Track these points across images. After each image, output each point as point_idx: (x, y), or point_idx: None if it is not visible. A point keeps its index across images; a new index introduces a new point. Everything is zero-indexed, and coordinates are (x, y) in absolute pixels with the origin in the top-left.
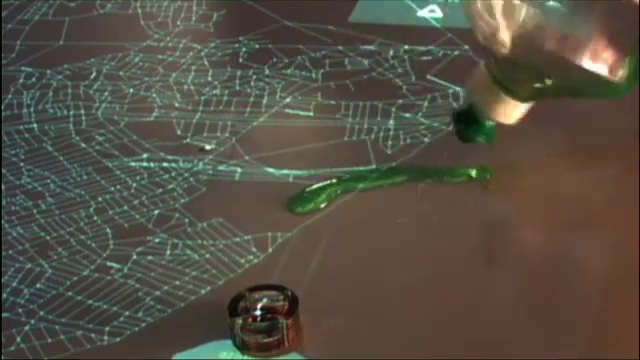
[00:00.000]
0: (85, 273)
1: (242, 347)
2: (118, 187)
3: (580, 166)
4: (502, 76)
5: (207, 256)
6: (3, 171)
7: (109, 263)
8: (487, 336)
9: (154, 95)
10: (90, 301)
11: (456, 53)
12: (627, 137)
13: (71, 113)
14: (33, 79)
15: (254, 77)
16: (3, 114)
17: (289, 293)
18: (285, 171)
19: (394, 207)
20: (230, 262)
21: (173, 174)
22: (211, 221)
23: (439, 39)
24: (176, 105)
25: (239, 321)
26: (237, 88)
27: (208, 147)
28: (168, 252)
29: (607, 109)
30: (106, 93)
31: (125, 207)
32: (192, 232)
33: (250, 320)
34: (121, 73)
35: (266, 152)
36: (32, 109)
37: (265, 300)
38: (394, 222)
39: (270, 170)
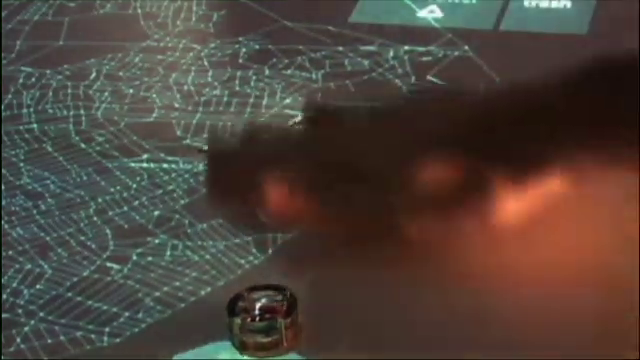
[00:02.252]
0: (85, 274)
1: (241, 347)
2: (118, 188)
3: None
4: None
5: (207, 257)
6: (3, 171)
7: (109, 264)
8: (488, 336)
9: (154, 95)
10: (90, 302)
11: (456, 54)
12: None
13: (71, 113)
14: (33, 79)
15: (254, 78)
16: (3, 114)
17: (288, 293)
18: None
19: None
20: (230, 263)
21: (173, 175)
22: (211, 222)
23: (439, 40)
24: (176, 106)
25: (238, 321)
26: (237, 89)
27: (207, 148)
28: (168, 253)
29: None
30: (106, 93)
31: (125, 208)
32: (192, 233)
33: (249, 320)
34: (121, 73)
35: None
36: (32, 109)
37: (264, 300)
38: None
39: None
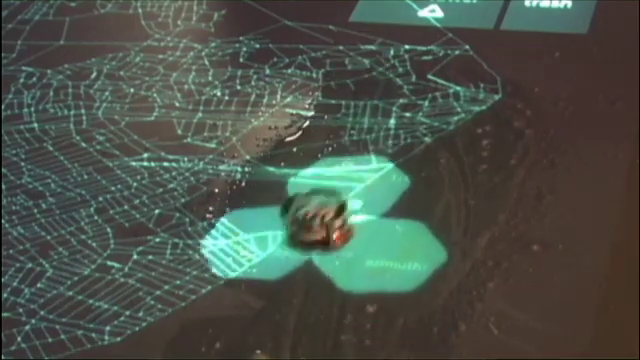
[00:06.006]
0: (86, 273)
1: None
2: (119, 187)
3: (580, 165)
4: None
5: (208, 255)
6: (3, 171)
7: (110, 262)
8: (487, 337)
9: (155, 95)
10: (91, 300)
11: (457, 53)
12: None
13: (72, 113)
14: (34, 79)
15: (255, 77)
16: (4, 114)
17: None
18: (286, 170)
19: (397, 206)
20: (231, 261)
21: (174, 173)
22: (212, 220)
23: (440, 39)
24: (177, 105)
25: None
26: (238, 88)
27: None
28: (169, 251)
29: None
30: (107, 93)
31: (126, 207)
32: (193, 231)
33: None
34: (122, 73)
35: (266, 151)
36: (33, 109)
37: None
38: (394, 222)
39: (271, 169)
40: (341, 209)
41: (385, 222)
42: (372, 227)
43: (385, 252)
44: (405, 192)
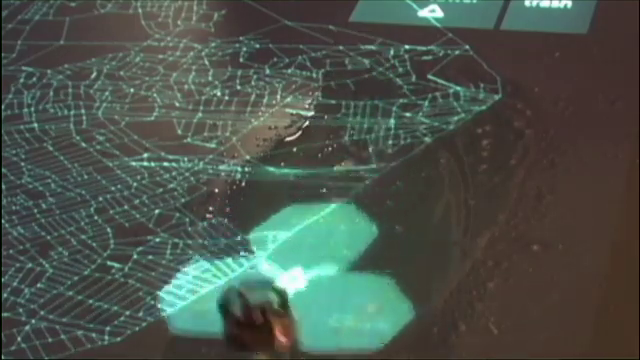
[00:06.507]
0: (86, 273)
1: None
2: (119, 187)
3: (580, 165)
4: None
5: (207, 255)
6: (3, 171)
7: (110, 262)
8: (487, 337)
9: (155, 95)
10: (91, 301)
11: (457, 53)
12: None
13: (72, 113)
14: (34, 79)
15: (255, 77)
16: (4, 114)
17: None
18: (286, 170)
19: (397, 206)
20: (231, 261)
21: (174, 173)
22: (212, 221)
23: (440, 39)
24: (177, 105)
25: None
26: (238, 88)
27: None
28: (169, 252)
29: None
30: (107, 93)
31: (126, 207)
32: (192, 232)
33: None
34: (122, 73)
35: (266, 151)
36: (33, 109)
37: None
38: (394, 222)
39: (270, 169)
40: (284, 298)
41: (350, 277)
42: (335, 282)
43: (348, 309)
44: (373, 242)
